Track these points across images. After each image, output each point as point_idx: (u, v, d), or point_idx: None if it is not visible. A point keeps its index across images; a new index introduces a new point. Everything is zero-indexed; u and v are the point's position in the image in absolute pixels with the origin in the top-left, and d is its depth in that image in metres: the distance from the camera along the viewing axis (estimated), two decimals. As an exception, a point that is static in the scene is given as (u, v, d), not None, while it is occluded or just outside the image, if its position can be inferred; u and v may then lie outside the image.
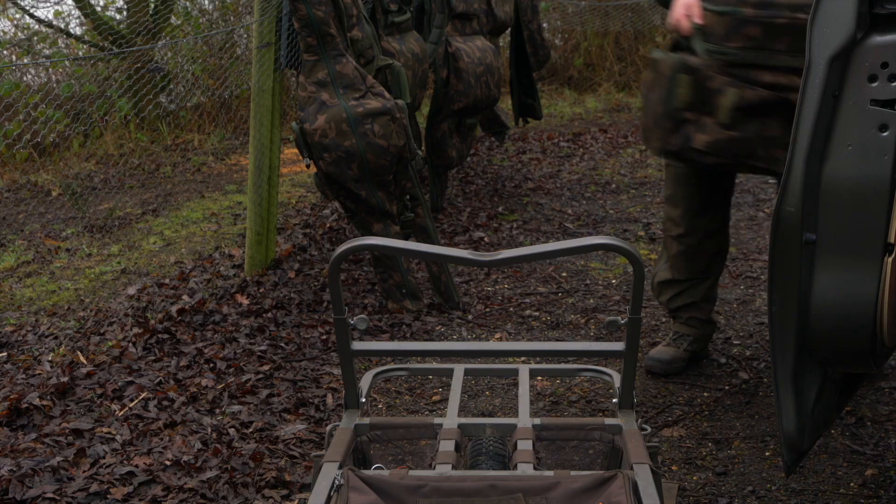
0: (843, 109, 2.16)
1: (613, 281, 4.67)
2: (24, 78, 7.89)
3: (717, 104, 2.99)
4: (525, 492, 1.73)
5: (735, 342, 3.90)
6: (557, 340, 3.91)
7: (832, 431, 3.14)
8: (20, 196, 6.47)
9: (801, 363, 2.27)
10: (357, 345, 2.01)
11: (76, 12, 8.19)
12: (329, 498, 1.71)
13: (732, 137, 3.01)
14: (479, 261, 1.89)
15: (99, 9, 8.17)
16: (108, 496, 2.77)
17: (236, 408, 3.34)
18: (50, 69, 7.72)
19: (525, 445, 1.92)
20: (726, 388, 3.51)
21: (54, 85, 7.47)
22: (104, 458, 2.98)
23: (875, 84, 2.13)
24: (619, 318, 1.95)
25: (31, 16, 8.20)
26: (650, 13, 9.71)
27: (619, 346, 1.98)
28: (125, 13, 8.18)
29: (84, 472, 2.89)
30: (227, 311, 4.20)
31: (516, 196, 6.32)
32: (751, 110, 2.96)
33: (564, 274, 4.75)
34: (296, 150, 6.37)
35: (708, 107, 3.01)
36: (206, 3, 8.82)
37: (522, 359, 3.59)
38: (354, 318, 1.96)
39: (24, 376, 3.56)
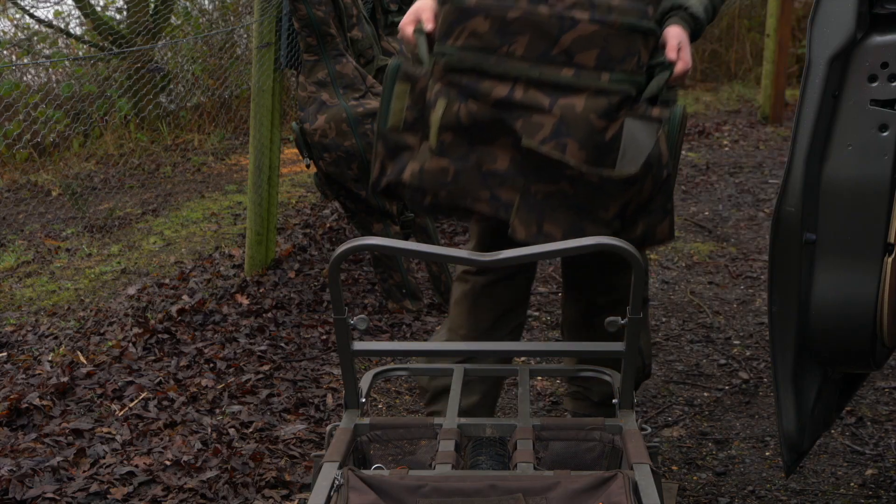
0: (843, 109, 2.16)
1: (613, 281, 4.67)
2: (24, 78, 7.88)
3: (430, 122, 2.26)
4: (525, 492, 1.73)
5: (735, 342, 3.90)
6: (557, 340, 3.90)
7: (832, 431, 3.14)
8: (20, 196, 6.47)
9: (801, 363, 2.27)
10: (357, 345, 2.01)
11: (76, 12, 8.18)
12: (329, 498, 1.71)
13: (443, 168, 2.23)
14: (479, 261, 1.89)
15: (99, 9, 8.16)
16: (108, 496, 2.77)
17: (236, 408, 3.34)
18: (50, 69, 7.71)
19: (525, 445, 1.92)
20: (726, 388, 3.51)
21: (54, 85, 7.47)
22: (104, 458, 2.98)
23: (875, 84, 2.13)
24: (619, 318, 1.95)
25: (31, 16, 8.20)
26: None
27: (618, 346, 1.98)
28: (125, 13, 8.18)
29: (84, 472, 2.90)
30: (227, 311, 4.20)
31: (516, 196, 6.31)
32: (466, 132, 2.20)
33: (564, 274, 4.75)
34: (296, 150, 6.36)
35: (427, 127, 2.26)
36: (206, 3, 8.81)
37: (522, 359, 3.59)
38: (354, 318, 1.96)
39: (24, 376, 3.56)
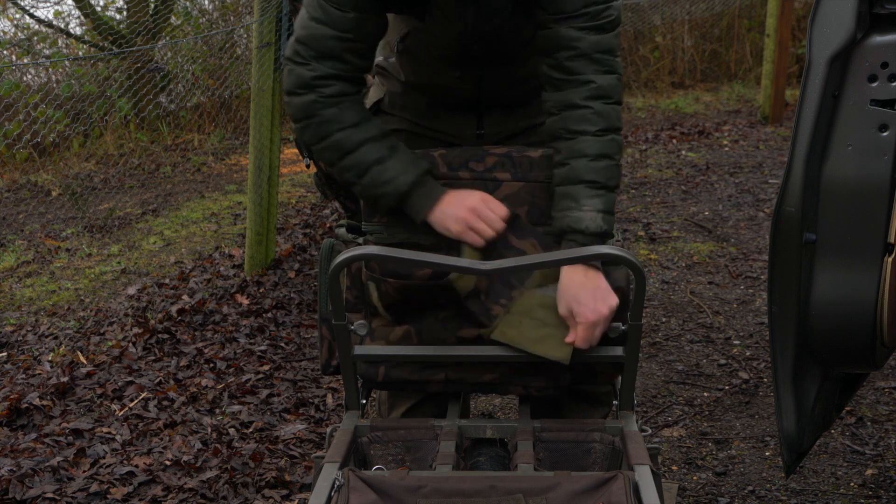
0: (843, 109, 2.15)
1: (613, 281, 4.67)
2: (24, 78, 7.88)
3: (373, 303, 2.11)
4: (525, 492, 1.73)
5: (735, 342, 3.90)
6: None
7: (832, 431, 3.14)
8: (20, 196, 6.47)
9: (801, 363, 2.27)
10: (358, 349, 2.01)
11: (76, 12, 8.19)
12: (329, 498, 1.71)
13: (406, 333, 2.10)
14: (480, 269, 1.89)
15: (99, 9, 8.17)
16: (108, 496, 2.77)
17: (236, 408, 3.34)
18: (50, 69, 7.72)
19: (525, 447, 1.92)
20: (726, 388, 3.51)
21: (54, 85, 7.47)
22: (104, 458, 2.98)
23: (875, 84, 2.13)
24: (620, 324, 1.95)
25: (31, 16, 8.20)
26: (650, 13, 9.71)
27: (619, 350, 1.98)
28: (125, 13, 8.18)
29: (84, 472, 2.90)
30: (227, 311, 4.20)
31: (516, 196, 6.31)
32: (405, 301, 2.07)
33: (564, 274, 4.75)
34: (296, 150, 6.37)
35: (372, 307, 2.11)
36: (206, 3, 8.82)
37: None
38: (354, 323, 1.97)
39: (24, 376, 3.56)
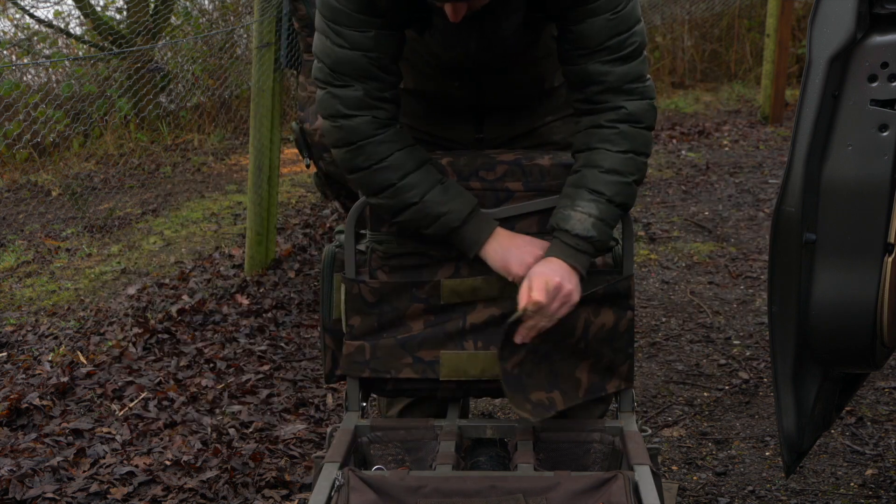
0: (843, 109, 2.15)
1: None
2: (24, 78, 7.88)
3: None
4: (525, 492, 1.73)
5: (735, 342, 3.90)
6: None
7: (832, 431, 3.14)
8: (20, 196, 6.47)
9: (801, 363, 2.27)
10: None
11: (76, 12, 8.19)
12: (329, 498, 1.72)
13: (360, 348, 2.10)
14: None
15: (99, 9, 8.16)
16: (108, 496, 2.77)
17: (236, 408, 3.34)
18: (50, 69, 7.71)
19: (525, 447, 1.92)
20: (726, 388, 3.51)
21: (54, 85, 7.47)
22: (104, 458, 2.98)
23: (875, 84, 2.13)
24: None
25: (31, 16, 8.20)
26: (650, 13, 9.71)
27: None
28: (125, 13, 8.18)
29: (84, 472, 2.90)
30: (227, 311, 4.20)
31: (516, 196, 6.30)
32: (372, 308, 2.08)
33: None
34: (296, 150, 6.37)
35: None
36: (206, 3, 8.81)
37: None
38: None
39: (24, 376, 3.56)
